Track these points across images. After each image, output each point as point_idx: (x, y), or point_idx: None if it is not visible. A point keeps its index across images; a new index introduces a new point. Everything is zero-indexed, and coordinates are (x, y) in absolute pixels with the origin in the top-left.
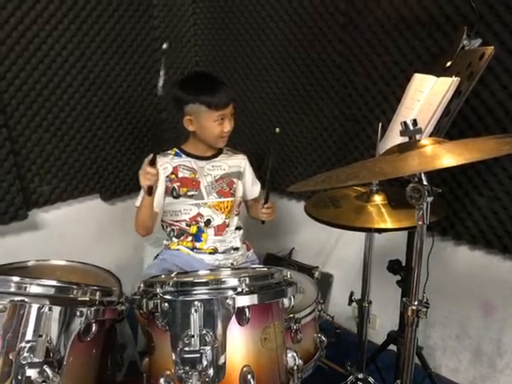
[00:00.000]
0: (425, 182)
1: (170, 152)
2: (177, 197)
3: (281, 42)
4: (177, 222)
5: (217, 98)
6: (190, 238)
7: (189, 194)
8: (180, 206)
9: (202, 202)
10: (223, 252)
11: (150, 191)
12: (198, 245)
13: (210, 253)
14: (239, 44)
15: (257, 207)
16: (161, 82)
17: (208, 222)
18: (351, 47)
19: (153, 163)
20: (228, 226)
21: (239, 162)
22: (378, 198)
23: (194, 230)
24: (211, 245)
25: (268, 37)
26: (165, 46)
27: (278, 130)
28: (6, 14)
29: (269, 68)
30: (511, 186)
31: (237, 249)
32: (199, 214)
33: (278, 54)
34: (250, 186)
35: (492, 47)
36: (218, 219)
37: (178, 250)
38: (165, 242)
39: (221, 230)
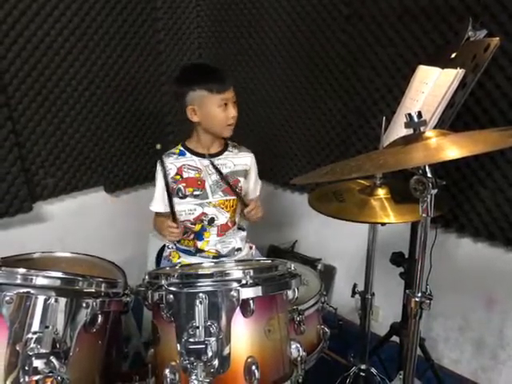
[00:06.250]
0: (429, 175)
1: (174, 151)
2: (183, 197)
3: (284, 33)
4: (181, 222)
5: (217, 82)
6: (191, 236)
7: (194, 193)
8: (185, 206)
9: (206, 201)
10: (226, 255)
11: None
12: (199, 244)
13: (214, 256)
14: (242, 36)
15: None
16: None
17: (212, 221)
18: (355, 38)
19: (174, 219)
20: (231, 227)
21: (246, 160)
22: (382, 192)
23: (198, 227)
24: (212, 247)
25: (271, 28)
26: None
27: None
28: (8, 6)
29: (272, 60)
30: None
31: (239, 249)
32: (203, 214)
33: (282, 46)
34: (253, 185)
35: (497, 38)
36: (222, 218)
37: (179, 263)
38: None
39: (223, 230)
